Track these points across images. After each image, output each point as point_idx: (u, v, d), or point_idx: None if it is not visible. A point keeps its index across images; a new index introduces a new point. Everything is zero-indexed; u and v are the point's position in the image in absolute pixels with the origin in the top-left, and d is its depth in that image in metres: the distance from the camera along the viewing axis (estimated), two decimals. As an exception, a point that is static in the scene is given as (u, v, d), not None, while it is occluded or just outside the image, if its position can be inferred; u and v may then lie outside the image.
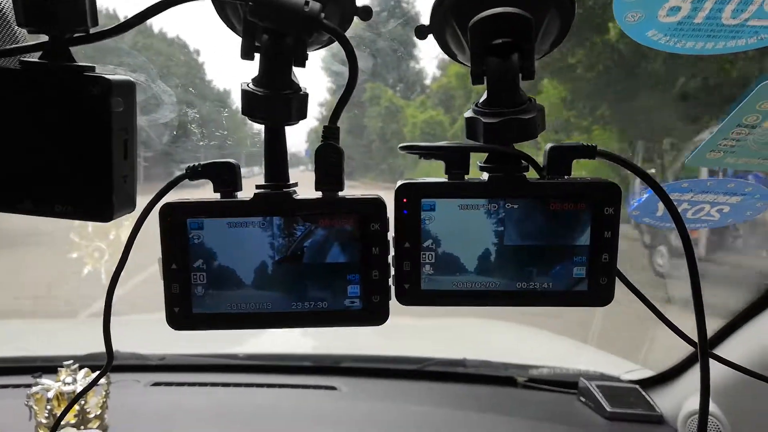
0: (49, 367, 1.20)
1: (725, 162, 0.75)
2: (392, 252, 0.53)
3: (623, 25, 0.54)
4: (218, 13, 0.54)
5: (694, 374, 1.22)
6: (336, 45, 0.51)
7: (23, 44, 0.49)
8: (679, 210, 0.84)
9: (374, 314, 0.53)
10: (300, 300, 0.53)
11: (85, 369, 1.12)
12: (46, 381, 1.09)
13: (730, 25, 0.54)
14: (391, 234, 0.53)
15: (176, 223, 0.51)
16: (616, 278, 0.54)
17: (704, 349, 0.53)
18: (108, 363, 0.59)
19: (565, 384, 1.34)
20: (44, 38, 0.47)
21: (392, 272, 0.53)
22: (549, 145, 0.52)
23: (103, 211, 0.49)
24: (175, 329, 0.53)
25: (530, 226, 0.52)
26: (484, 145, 0.51)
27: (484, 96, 0.52)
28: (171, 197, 0.53)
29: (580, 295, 0.53)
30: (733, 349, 1.09)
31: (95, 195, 0.48)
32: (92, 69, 0.48)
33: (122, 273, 0.56)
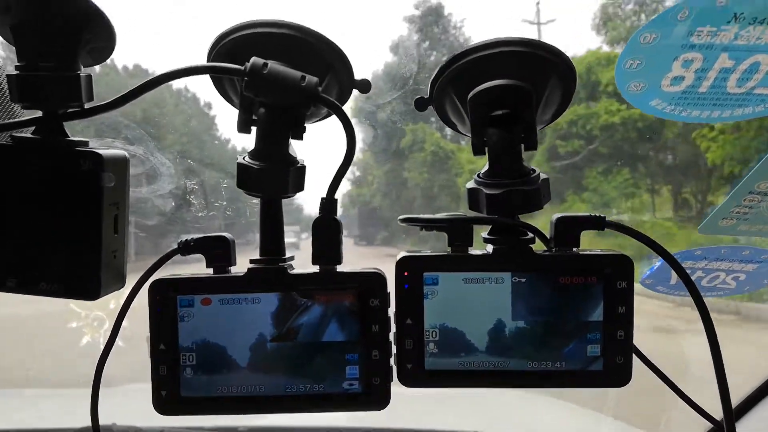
0: None
1: (738, 230, 0.73)
2: (393, 329, 0.50)
3: (626, 95, 0.53)
4: (215, 87, 0.54)
5: (718, 450, 1.15)
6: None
7: (16, 120, 0.48)
8: (693, 278, 0.81)
9: (374, 398, 0.50)
10: (295, 382, 0.50)
11: None
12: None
13: (736, 93, 0.53)
14: (392, 310, 0.50)
15: (166, 299, 0.49)
16: (633, 356, 0.50)
17: (731, 429, 0.50)
18: None
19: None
20: (39, 113, 0.47)
21: (394, 351, 0.50)
22: (556, 216, 0.50)
23: (90, 289, 0.47)
24: (162, 414, 0.50)
25: (539, 302, 0.49)
26: (488, 216, 0.50)
27: (486, 167, 0.51)
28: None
29: (596, 375, 0.50)
30: (760, 422, 1.03)
31: (82, 272, 0.46)
32: (85, 144, 0.47)
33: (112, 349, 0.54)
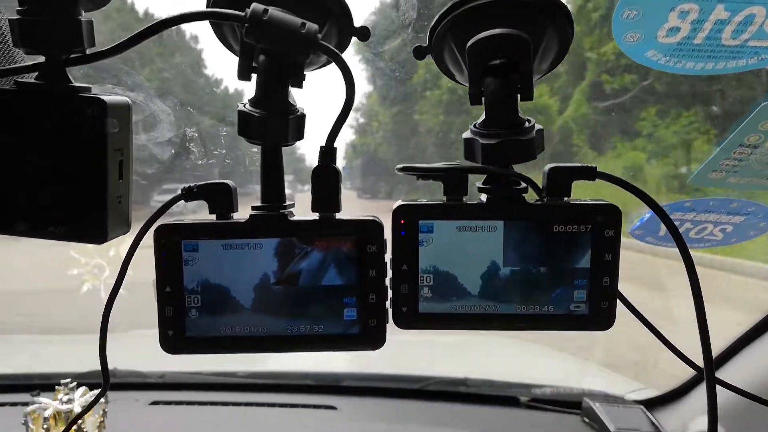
0: (46, 384, 1.18)
1: (728, 182, 0.75)
2: (389, 274, 0.52)
3: (622, 45, 0.54)
4: (215, 33, 0.54)
5: (699, 395, 1.20)
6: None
7: (19, 65, 0.49)
8: (682, 230, 0.83)
9: (371, 338, 0.52)
10: (296, 323, 0.52)
11: (83, 387, 1.11)
12: (43, 399, 1.07)
13: (730, 45, 0.54)
14: (388, 256, 0.52)
15: (170, 244, 0.51)
16: (618, 301, 0.53)
17: (711, 375, 0.52)
18: (104, 386, 0.58)
19: (568, 404, 1.32)
20: (41, 59, 0.47)
21: (390, 295, 0.53)
22: (548, 166, 0.52)
23: (97, 233, 0.48)
24: (169, 353, 0.52)
25: (530, 249, 0.51)
26: (483, 166, 0.51)
27: (482, 117, 0.52)
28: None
29: (581, 319, 0.52)
30: (738, 370, 1.07)
31: (89, 216, 0.48)
32: (88, 90, 0.48)
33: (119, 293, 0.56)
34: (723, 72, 0.56)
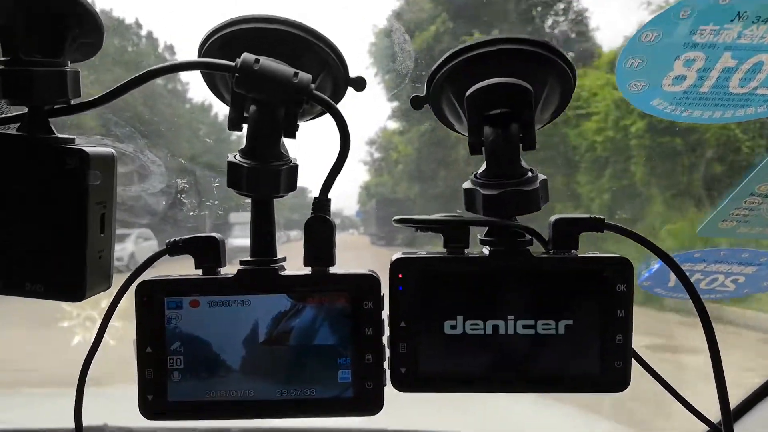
0: None
1: (738, 232, 0.73)
2: (387, 333, 0.49)
3: (627, 94, 0.52)
4: (206, 83, 0.52)
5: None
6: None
7: (1, 116, 0.47)
8: (692, 281, 0.80)
9: (367, 403, 0.49)
10: (286, 386, 0.48)
11: None
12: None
13: (738, 94, 0.52)
14: (386, 313, 0.49)
15: (153, 302, 0.48)
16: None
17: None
18: None
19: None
20: (25, 109, 0.46)
21: (387, 355, 0.49)
22: (554, 218, 0.49)
23: (74, 290, 0.46)
24: (149, 419, 0.49)
25: (536, 304, 0.48)
26: (484, 218, 0.49)
27: (483, 167, 0.50)
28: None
29: (594, 379, 0.49)
30: (754, 426, 1.02)
31: (67, 273, 0.45)
32: (71, 141, 0.46)
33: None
34: (731, 120, 0.55)
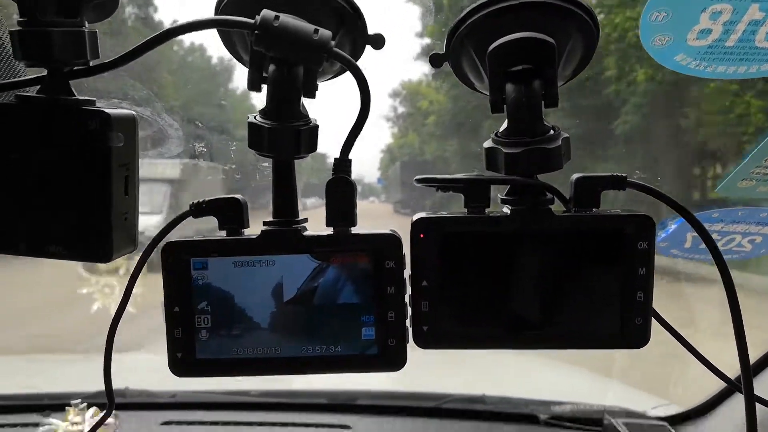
0: (57, 405, 1.17)
1: (757, 191, 0.72)
2: (409, 291, 0.50)
3: (650, 49, 0.51)
4: (224, 43, 0.52)
5: (726, 410, 1.15)
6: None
7: (20, 78, 0.47)
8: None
9: (390, 359, 0.50)
10: (311, 344, 0.49)
11: (94, 408, 1.09)
12: (54, 420, 1.06)
13: (765, 48, 0.51)
14: (407, 272, 0.49)
15: (179, 263, 0.48)
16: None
17: (750, 393, 0.49)
18: (109, 407, 0.56)
19: (589, 421, 1.28)
20: (44, 72, 0.46)
21: (409, 313, 0.50)
22: (575, 176, 0.49)
23: (101, 251, 0.46)
24: (178, 376, 0.50)
25: (557, 261, 0.49)
26: (506, 176, 0.49)
27: (504, 125, 0.49)
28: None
29: (614, 336, 0.49)
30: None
31: (93, 234, 0.46)
32: (92, 103, 0.46)
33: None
34: (756, 75, 0.54)
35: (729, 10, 0.48)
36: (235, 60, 0.53)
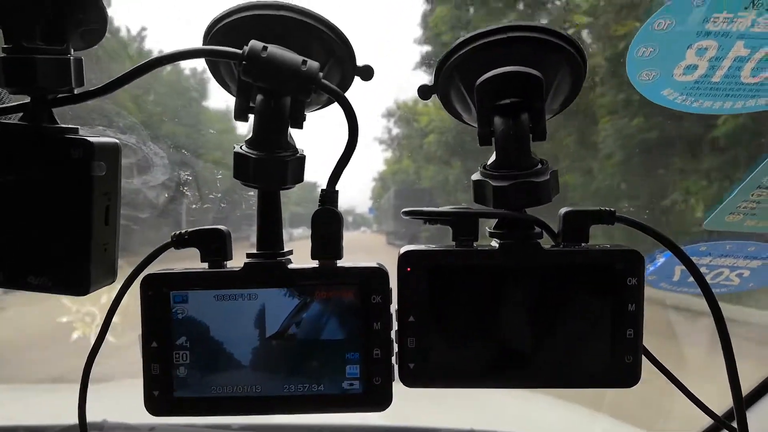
0: None
1: (745, 225, 0.72)
2: (395, 327, 0.49)
3: (637, 83, 0.52)
4: (211, 72, 0.52)
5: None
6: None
7: (4, 105, 0.46)
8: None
9: (375, 398, 0.48)
10: (293, 382, 0.48)
11: None
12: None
13: (750, 83, 0.51)
14: (394, 307, 0.48)
15: (158, 295, 0.47)
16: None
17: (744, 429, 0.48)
18: None
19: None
20: (27, 99, 0.45)
21: (395, 350, 0.49)
22: (564, 210, 0.49)
23: (79, 283, 0.45)
24: (154, 415, 0.48)
25: (546, 297, 0.48)
26: (494, 210, 0.48)
27: (493, 158, 0.49)
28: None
29: (604, 375, 0.48)
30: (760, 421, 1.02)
31: (71, 265, 0.44)
32: (75, 131, 0.45)
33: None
34: (742, 111, 0.54)
35: (714, 46, 0.49)
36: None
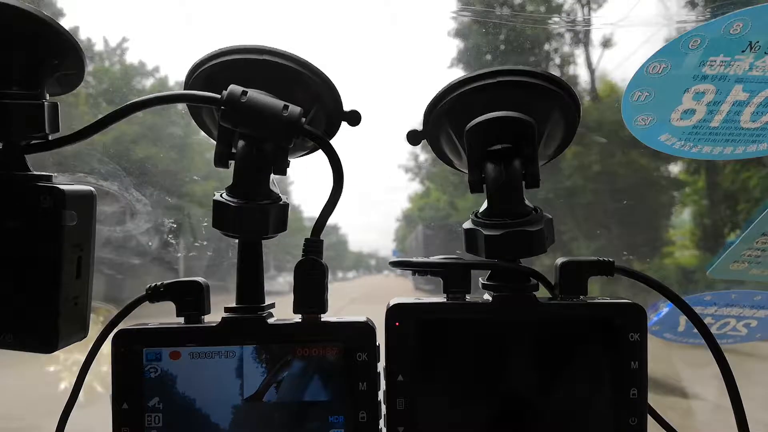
0: None
1: (750, 274, 0.70)
2: (383, 388, 0.45)
3: (633, 129, 0.50)
4: (192, 117, 0.50)
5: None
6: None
7: None
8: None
9: None
10: None
11: None
12: None
13: (750, 128, 0.50)
14: (381, 365, 0.45)
15: (130, 353, 0.44)
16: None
17: None
18: None
19: None
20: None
21: (383, 412, 0.45)
22: (560, 261, 0.46)
23: (47, 340, 0.42)
24: None
25: (543, 353, 0.45)
26: (487, 260, 0.45)
27: (484, 205, 0.47)
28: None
29: None
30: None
31: (38, 322, 0.42)
32: (48, 179, 0.43)
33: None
34: (742, 157, 0.52)
35: (712, 90, 0.47)
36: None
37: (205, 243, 0.90)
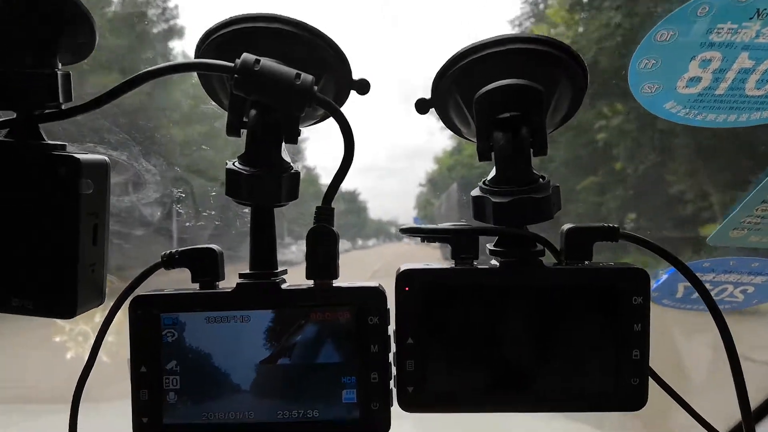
0: None
1: (749, 240, 0.71)
2: (393, 350, 0.47)
3: (639, 97, 0.50)
4: (203, 86, 0.50)
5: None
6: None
7: None
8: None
9: (373, 424, 0.46)
10: (287, 407, 0.46)
11: None
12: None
13: (755, 96, 0.50)
14: (392, 328, 0.47)
15: (148, 318, 0.45)
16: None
17: None
18: None
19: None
20: (14, 114, 0.44)
21: (394, 373, 0.47)
22: (566, 227, 0.47)
23: (65, 306, 0.43)
24: None
25: (549, 317, 0.46)
26: (495, 227, 0.46)
27: (492, 173, 0.48)
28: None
29: (609, 397, 0.46)
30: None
31: (57, 287, 0.43)
32: (63, 147, 0.44)
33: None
34: (747, 124, 0.53)
35: (718, 58, 0.48)
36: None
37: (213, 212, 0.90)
